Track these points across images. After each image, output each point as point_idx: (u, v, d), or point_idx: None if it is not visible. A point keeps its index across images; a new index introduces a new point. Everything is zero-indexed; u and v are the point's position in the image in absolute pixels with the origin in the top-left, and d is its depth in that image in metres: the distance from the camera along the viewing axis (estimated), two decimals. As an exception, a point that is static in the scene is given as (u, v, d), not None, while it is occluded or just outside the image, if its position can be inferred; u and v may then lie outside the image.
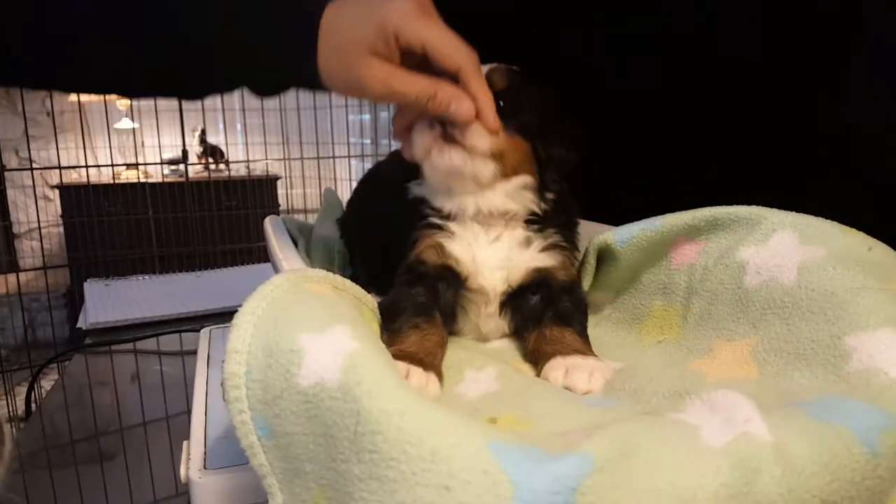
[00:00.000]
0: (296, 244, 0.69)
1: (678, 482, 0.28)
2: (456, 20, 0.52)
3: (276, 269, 0.56)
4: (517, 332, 0.57)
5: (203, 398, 0.57)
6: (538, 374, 0.49)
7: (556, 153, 0.55)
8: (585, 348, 0.50)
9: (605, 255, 0.58)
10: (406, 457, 0.28)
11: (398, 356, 0.43)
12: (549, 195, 0.56)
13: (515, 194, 0.54)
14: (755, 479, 0.28)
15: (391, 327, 0.49)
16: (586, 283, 0.59)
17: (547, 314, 0.54)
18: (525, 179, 0.54)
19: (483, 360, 0.48)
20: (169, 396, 0.83)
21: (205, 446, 0.48)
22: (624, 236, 0.55)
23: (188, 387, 0.84)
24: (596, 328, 0.58)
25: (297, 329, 0.34)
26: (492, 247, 0.55)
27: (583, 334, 0.53)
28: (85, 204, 2.26)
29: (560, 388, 0.45)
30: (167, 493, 0.63)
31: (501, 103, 0.52)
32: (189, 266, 1.79)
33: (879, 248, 0.42)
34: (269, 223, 0.73)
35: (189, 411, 0.77)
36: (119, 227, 2.26)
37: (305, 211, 2.42)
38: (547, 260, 0.55)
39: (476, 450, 0.28)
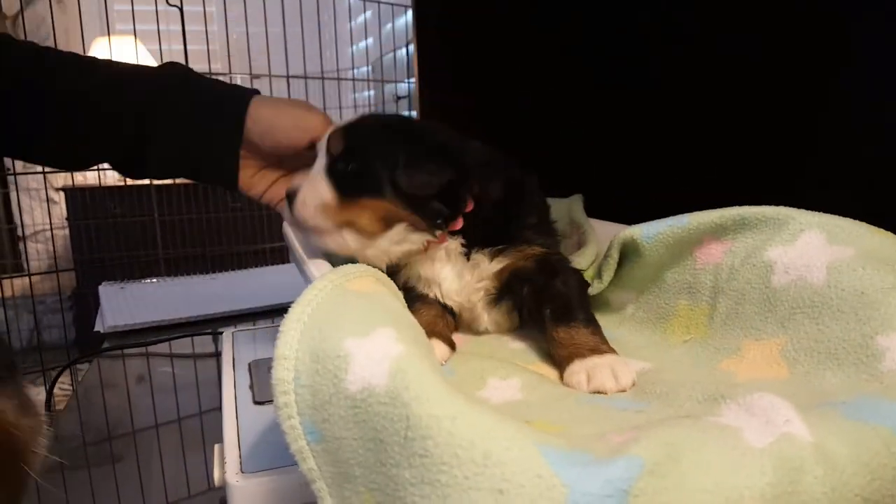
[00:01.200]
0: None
1: (725, 483, 0.28)
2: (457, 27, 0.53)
3: (304, 275, 0.56)
4: (526, 323, 0.60)
5: (232, 401, 0.57)
6: (561, 379, 0.49)
7: (416, 188, 0.53)
8: (598, 343, 0.50)
9: (628, 252, 0.58)
10: (458, 461, 0.28)
11: None
12: (442, 223, 0.55)
13: (404, 240, 0.55)
14: (799, 478, 0.29)
15: None
16: (607, 278, 0.60)
17: (545, 313, 0.54)
18: (398, 227, 0.54)
19: (507, 370, 0.49)
20: (182, 399, 0.84)
21: (240, 449, 0.49)
22: (650, 232, 0.55)
23: (200, 389, 0.85)
24: (620, 327, 0.59)
25: (343, 334, 0.34)
26: (444, 272, 0.58)
27: (590, 323, 0.52)
28: (91, 206, 2.27)
29: (586, 395, 0.45)
30: (180, 495, 0.63)
31: (340, 167, 0.54)
32: (198, 268, 1.80)
33: (908, 248, 0.42)
34: (291, 228, 0.73)
35: (201, 413, 0.78)
36: (125, 229, 2.26)
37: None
38: (499, 263, 0.57)
39: (528, 453, 0.28)
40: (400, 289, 0.53)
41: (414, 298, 0.58)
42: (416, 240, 0.55)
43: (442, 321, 0.58)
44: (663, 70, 0.80)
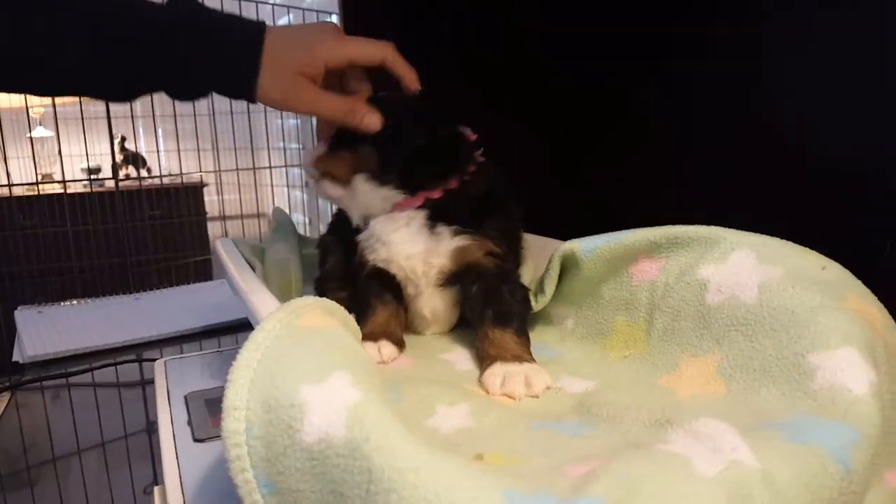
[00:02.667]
0: (252, 268, 0.68)
1: (682, 516, 0.29)
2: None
3: (240, 296, 0.54)
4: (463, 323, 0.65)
5: (171, 440, 0.55)
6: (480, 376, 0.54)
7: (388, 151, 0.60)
8: (523, 353, 0.55)
9: (568, 265, 0.60)
10: (424, 514, 0.28)
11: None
12: (391, 179, 0.60)
13: (371, 193, 0.61)
14: (748, 505, 0.30)
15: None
16: (549, 291, 0.61)
17: (487, 313, 0.58)
18: (360, 178, 0.60)
19: (455, 395, 0.49)
20: (105, 423, 0.81)
21: (182, 492, 0.47)
22: (589, 246, 0.57)
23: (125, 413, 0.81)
24: (561, 343, 0.60)
25: (296, 380, 0.33)
26: (399, 233, 0.61)
27: (521, 334, 0.57)
28: (-2, 218, 2.14)
29: (535, 421, 0.46)
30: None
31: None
32: (116, 282, 1.72)
33: (832, 267, 0.44)
34: (222, 247, 0.71)
35: (126, 437, 0.76)
36: (36, 241, 2.14)
37: (225, 217, 2.35)
38: (460, 242, 0.60)
39: (494, 502, 0.28)
40: (357, 260, 0.64)
41: (369, 292, 0.63)
42: (385, 195, 0.60)
43: (395, 321, 0.62)
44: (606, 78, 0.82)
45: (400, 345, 0.60)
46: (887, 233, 0.55)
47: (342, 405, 0.31)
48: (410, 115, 0.61)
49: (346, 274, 0.69)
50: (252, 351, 0.36)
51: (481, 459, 0.40)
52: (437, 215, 0.60)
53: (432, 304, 0.63)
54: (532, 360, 0.54)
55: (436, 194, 0.60)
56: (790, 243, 0.47)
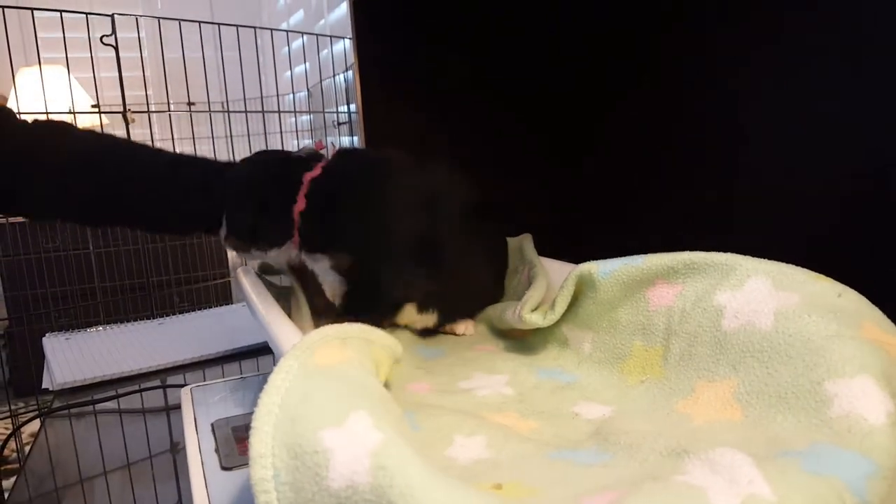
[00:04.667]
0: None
1: (698, 551, 0.29)
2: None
3: (263, 328, 0.55)
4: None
5: (199, 468, 0.56)
6: None
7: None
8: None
9: (584, 287, 0.60)
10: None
11: None
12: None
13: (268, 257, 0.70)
14: (764, 539, 0.30)
15: None
16: (559, 309, 0.61)
17: None
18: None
19: (473, 426, 0.49)
20: (130, 445, 0.82)
21: (211, 524, 0.48)
22: (606, 269, 0.57)
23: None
24: (579, 368, 0.60)
25: (317, 425, 0.34)
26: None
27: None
28: (23, 241, 2.18)
29: (553, 450, 0.46)
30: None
31: None
32: (140, 303, 1.74)
33: (848, 294, 0.45)
34: (245, 277, 0.72)
35: (151, 457, 0.77)
36: (60, 263, 2.18)
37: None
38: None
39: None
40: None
41: None
42: (273, 256, 0.70)
43: None
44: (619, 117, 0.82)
45: None
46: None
47: (364, 451, 0.32)
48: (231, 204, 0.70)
49: None
50: (272, 395, 0.37)
51: (500, 489, 0.40)
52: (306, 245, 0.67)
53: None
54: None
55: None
56: (806, 270, 0.47)
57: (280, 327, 0.53)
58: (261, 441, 0.34)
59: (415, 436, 0.48)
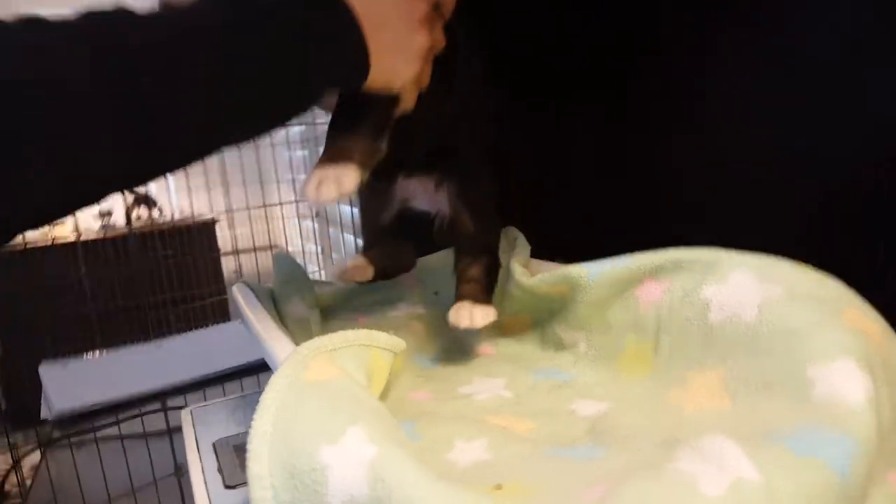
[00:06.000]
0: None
1: (690, 535, 0.30)
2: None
3: (261, 346, 0.56)
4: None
5: (203, 488, 0.57)
6: None
7: None
8: None
9: (574, 290, 0.62)
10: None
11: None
12: None
13: None
14: (752, 522, 0.31)
15: None
16: (533, 281, 0.67)
17: None
18: None
19: (473, 431, 0.50)
20: (134, 470, 0.82)
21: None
22: (595, 270, 0.59)
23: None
24: (575, 366, 0.62)
25: (313, 443, 0.35)
26: None
27: None
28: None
29: (550, 448, 0.47)
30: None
31: None
32: (136, 326, 1.74)
33: (829, 283, 0.46)
34: (240, 294, 0.73)
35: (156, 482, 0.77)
36: (54, 290, 2.18)
37: (238, 252, 2.38)
38: None
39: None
40: None
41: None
42: None
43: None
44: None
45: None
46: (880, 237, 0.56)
47: (360, 464, 0.33)
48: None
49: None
50: (265, 416, 0.37)
51: (500, 490, 0.41)
52: None
53: None
54: None
55: None
56: (788, 262, 0.48)
57: (275, 342, 0.54)
58: (257, 462, 0.35)
59: (413, 445, 0.49)
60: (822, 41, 0.59)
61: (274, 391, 0.39)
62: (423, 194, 0.76)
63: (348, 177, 0.55)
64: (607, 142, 0.82)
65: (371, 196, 0.82)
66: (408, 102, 0.59)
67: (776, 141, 0.63)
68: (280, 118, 0.51)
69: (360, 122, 0.57)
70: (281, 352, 0.51)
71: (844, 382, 0.39)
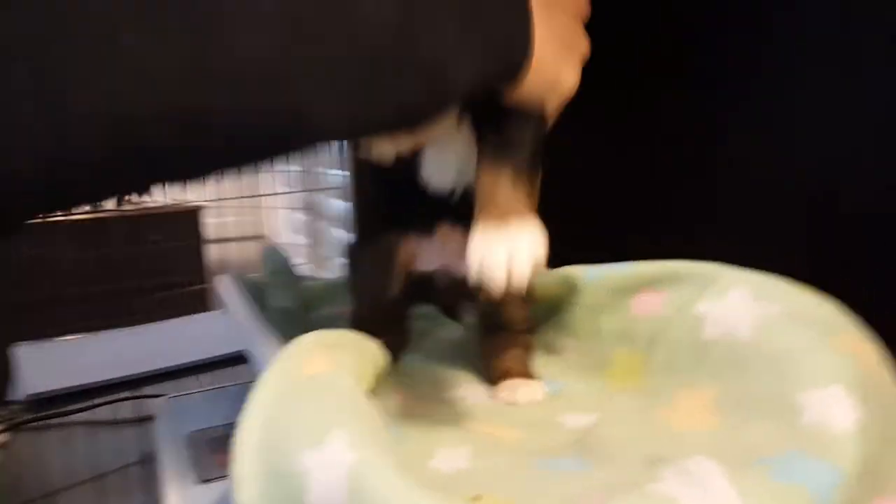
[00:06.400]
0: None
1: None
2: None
3: (246, 340, 0.55)
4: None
5: (176, 482, 0.56)
6: None
7: None
8: (516, 203, 0.41)
9: (569, 293, 0.61)
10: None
11: None
12: None
13: None
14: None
15: None
16: None
17: (486, 146, 0.44)
18: None
19: (458, 437, 0.50)
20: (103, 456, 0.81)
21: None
22: (593, 273, 0.59)
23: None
24: (564, 375, 0.61)
25: (296, 446, 0.34)
26: None
27: (521, 172, 0.42)
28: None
29: (534, 460, 0.46)
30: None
31: None
32: (115, 311, 1.71)
33: (825, 306, 0.46)
34: (226, 285, 0.71)
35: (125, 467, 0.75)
36: (32, 270, 2.14)
37: (225, 241, 2.35)
38: None
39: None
40: None
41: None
42: None
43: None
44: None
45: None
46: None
47: (341, 472, 0.32)
48: None
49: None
50: (254, 413, 0.37)
51: (479, 501, 0.40)
52: None
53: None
54: (526, 209, 0.41)
55: None
56: (786, 282, 0.48)
57: (258, 335, 0.53)
58: (243, 464, 0.35)
59: (400, 450, 0.47)
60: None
61: (264, 390, 0.38)
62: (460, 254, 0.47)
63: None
64: (606, 146, 0.82)
65: (377, 258, 0.57)
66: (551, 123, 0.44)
67: (781, 154, 0.63)
68: (407, 117, 0.36)
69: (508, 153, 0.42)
70: (264, 345, 0.50)
71: (833, 410, 0.39)
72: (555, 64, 0.40)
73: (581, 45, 0.42)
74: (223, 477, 0.56)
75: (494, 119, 0.42)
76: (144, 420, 0.87)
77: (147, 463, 0.76)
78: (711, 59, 0.68)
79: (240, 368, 1.03)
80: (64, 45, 0.26)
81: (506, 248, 0.39)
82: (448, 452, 0.47)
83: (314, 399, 0.38)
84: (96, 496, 0.71)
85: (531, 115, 0.42)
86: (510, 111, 0.41)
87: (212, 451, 0.61)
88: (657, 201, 0.76)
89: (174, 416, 0.70)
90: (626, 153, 0.79)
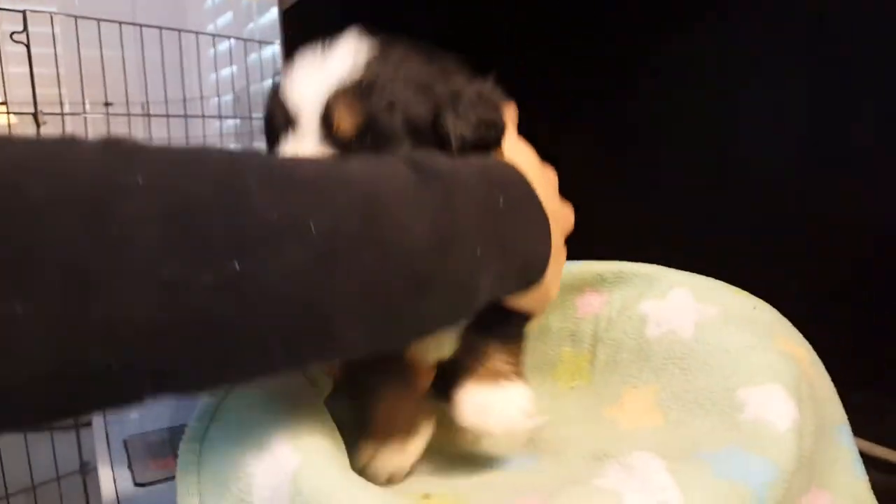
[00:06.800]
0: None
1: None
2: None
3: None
4: None
5: (111, 485, 0.54)
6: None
7: None
8: (507, 366, 0.45)
9: None
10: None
11: None
12: None
13: None
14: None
15: None
16: None
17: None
18: None
19: None
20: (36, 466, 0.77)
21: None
22: None
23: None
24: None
25: (241, 451, 0.34)
26: None
27: (510, 340, 0.46)
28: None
29: (481, 458, 0.46)
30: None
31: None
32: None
33: (763, 308, 0.47)
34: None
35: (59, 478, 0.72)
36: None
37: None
38: None
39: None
40: None
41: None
42: None
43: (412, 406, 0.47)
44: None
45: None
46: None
47: (284, 476, 0.32)
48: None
49: None
50: (201, 421, 0.36)
51: (428, 500, 0.40)
52: None
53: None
54: (516, 375, 0.45)
55: None
56: (725, 284, 0.50)
57: None
58: (187, 466, 0.34)
59: (344, 455, 0.47)
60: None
61: (211, 398, 0.37)
62: None
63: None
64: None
65: None
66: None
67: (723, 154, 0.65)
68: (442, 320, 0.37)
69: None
70: None
71: (773, 408, 0.40)
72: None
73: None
74: (160, 481, 0.55)
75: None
76: (79, 427, 0.84)
77: (83, 471, 0.74)
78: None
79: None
80: None
81: (499, 399, 0.42)
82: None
83: (260, 405, 0.37)
84: (27, 499, 0.68)
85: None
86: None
87: (149, 456, 0.59)
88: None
89: (110, 421, 0.67)
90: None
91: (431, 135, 0.39)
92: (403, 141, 0.39)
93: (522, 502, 0.37)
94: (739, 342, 0.44)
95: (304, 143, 0.38)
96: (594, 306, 0.56)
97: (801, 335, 0.46)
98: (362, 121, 0.38)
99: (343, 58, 0.39)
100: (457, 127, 0.39)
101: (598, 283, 0.56)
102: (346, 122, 0.38)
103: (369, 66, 0.39)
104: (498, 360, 0.45)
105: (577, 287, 0.57)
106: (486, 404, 0.43)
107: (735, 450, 0.38)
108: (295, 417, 0.36)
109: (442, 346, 0.48)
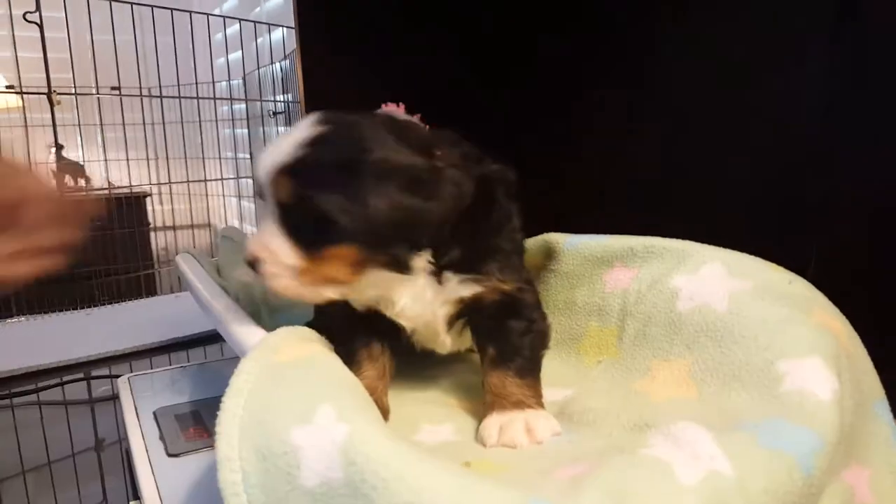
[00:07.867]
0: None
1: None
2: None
3: (214, 318, 0.53)
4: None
5: (144, 455, 0.54)
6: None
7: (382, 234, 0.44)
8: (526, 397, 0.48)
9: (547, 258, 0.62)
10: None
11: None
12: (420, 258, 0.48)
13: (380, 282, 0.48)
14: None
15: None
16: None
17: (489, 351, 0.50)
18: (371, 274, 0.46)
19: (440, 415, 0.49)
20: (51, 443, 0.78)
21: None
22: (572, 241, 0.60)
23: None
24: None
25: (285, 425, 0.33)
26: (406, 294, 0.50)
27: (526, 374, 0.49)
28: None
29: None
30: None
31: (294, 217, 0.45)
32: (62, 295, 1.65)
33: (799, 282, 0.47)
34: (184, 262, 0.70)
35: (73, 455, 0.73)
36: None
37: (174, 227, 2.29)
38: (467, 291, 0.50)
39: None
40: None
41: (354, 341, 0.51)
42: (394, 278, 0.48)
43: (381, 383, 0.51)
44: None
45: (386, 411, 0.50)
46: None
47: (333, 445, 0.32)
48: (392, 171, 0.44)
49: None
50: (235, 397, 0.36)
51: (468, 467, 0.40)
52: (439, 259, 0.49)
53: (450, 338, 0.54)
54: (537, 404, 0.48)
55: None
56: (758, 258, 0.49)
57: (240, 324, 0.51)
58: (227, 444, 0.34)
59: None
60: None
61: (245, 373, 0.37)
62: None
63: None
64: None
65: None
66: None
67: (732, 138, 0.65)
68: None
69: None
70: (245, 333, 0.48)
71: (814, 380, 0.39)
72: None
73: None
74: (192, 451, 0.56)
75: (494, 332, 0.51)
76: (95, 402, 0.84)
77: (98, 448, 0.74)
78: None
79: (195, 352, 1.01)
80: None
81: (524, 420, 0.46)
82: (431, 428, 0.48)
83: (298, 378, 0.37)
84: (43, 476, 0.69)
85: (529, 327, 0.51)
86: (509, 325, 0.50)
87: (179, 428, 0.59)
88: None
89: (138, 394, 0.68)
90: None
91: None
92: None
93: (566, 471, 0.36)
94: (776, 315, 0.43)
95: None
96: (623, 281, 0.55)
97: (837, 310, 0.46)
98: (294, 193, 0.44)
99: (292, 140, 0.45)
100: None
101: (627, 256, 0.56)
102: (281, 194, 0.45)
103: (305, 148, 0.44)
104: (519, 394, 0.49)
105: (607, 260, 0.57)
106: (507, 423, 0.46)
107: (778, 421, 0.38)
108: (332, 388, 0.36)
109: (445, 343, 0.53)
